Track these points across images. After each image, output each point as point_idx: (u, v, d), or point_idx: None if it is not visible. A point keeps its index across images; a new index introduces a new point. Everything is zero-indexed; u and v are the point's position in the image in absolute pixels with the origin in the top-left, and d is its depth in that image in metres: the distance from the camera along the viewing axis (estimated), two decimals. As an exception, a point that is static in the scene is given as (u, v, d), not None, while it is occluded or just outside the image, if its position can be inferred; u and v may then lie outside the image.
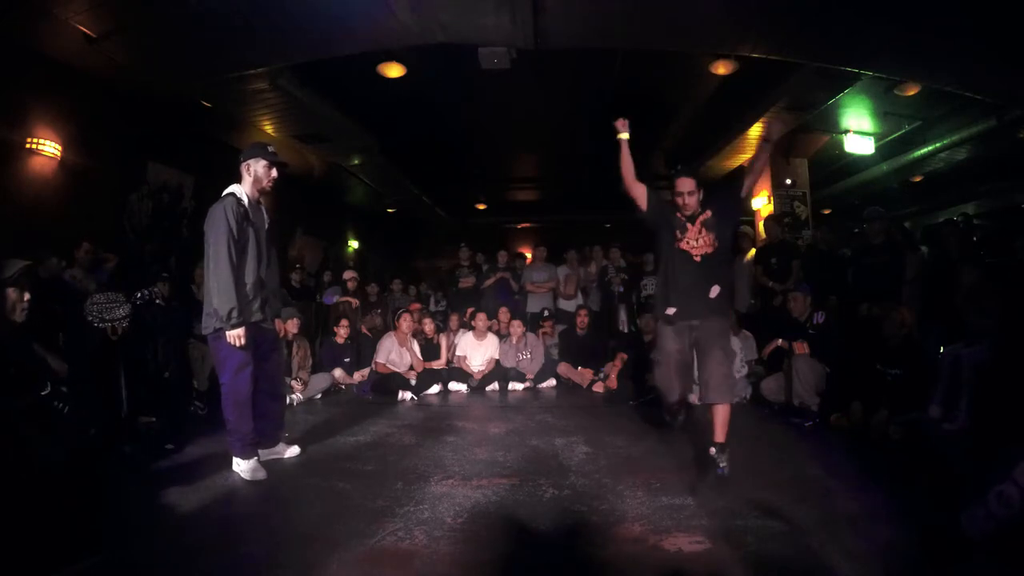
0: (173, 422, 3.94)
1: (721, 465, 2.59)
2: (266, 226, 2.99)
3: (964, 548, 1.90)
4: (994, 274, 4.43)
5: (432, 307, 8.01)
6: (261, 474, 2.84)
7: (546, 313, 6.58)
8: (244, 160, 2.93)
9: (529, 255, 8.56)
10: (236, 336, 2.72)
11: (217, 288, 2.69)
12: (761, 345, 4.80)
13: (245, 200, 2.86)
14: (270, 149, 2.95)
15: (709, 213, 2.85)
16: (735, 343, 4.84)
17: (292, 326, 5.05)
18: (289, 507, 2.51)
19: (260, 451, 2.99)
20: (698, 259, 2.82)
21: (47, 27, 4.02)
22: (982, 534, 1.88)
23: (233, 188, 2.89)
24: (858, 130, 7.52)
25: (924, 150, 7.96)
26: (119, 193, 5.49)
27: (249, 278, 2.82)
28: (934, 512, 2.22)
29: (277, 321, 3.15)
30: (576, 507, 2.39)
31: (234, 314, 2.69)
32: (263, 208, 3.02)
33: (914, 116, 7.14)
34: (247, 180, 2.92)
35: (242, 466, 2.84)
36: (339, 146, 7.26)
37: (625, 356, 5.39)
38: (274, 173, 2.96)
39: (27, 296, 2.91)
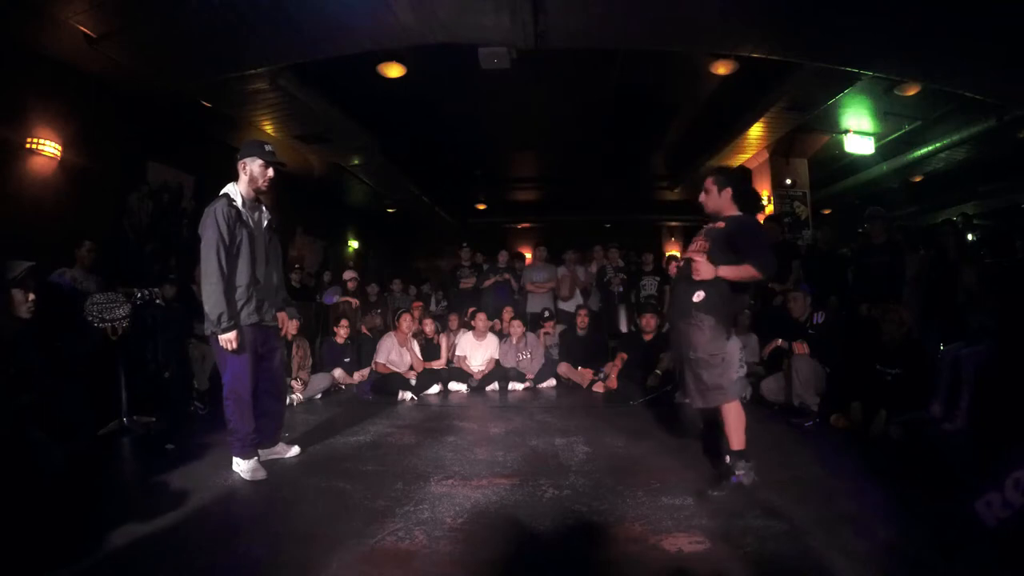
0: (173, 422, 3.95)
1: (737, 473, 2.51)
2: (265, 224, 2.97)
3: (974, 539, 1.89)
4: (994, 274, 4.44)
5: (432, 307, 8.01)
6: (261, 474, 2.84)
7: (547, 314, 6.58)
8: (240, 158, 2.89)
9: (529, 255, 8.57)
10: (227, 340, 2.72)
11: (207, 294, 2.70)
12: (761, 345, 4.80)
13: (239, 200, 2.83)
14: (267, 148, 2.92)
15: (723, 225, 2.70)
16: (735, 342, 4.84)
17: (292, 327, 5.04)
18: (289, 507, 2.50)
19: (260, 451, 2.99)
20: (681, 263, 2.82)
21: (47, 27, 4.02)
22: (998, 521, 1.87)
23: (228, 188, 2.87)
24: (858, 130, 7.52)
25: (924, 150, 7.97)
26: (119, 193, 5.49)
27: (242, 280, 2.80)
28: (934, 512, 2.21)
29: (282, 316, 3.11)
30: (576, 507, 2.39)
31: (223, 319, 2.69)
32: (262, 206, 2.99)
33: (914, 116, 7.14)
34: (243, 179, 2.89)
35: (242, 466, 2.84)
36: (339, 146, 7.26)
37: (625, 356, 5.38)
38: (270, 173, 2.92)
39: (31, 296, 2.94)
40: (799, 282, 5.08)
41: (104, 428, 3.65)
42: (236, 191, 2.85)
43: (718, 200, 2.78)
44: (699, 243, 2.73)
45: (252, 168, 2.87)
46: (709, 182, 2.83)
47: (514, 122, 7.65)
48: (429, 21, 4.07)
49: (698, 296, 2.60)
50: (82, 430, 3.21)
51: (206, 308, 2.71)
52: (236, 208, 2.79)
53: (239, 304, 2.78)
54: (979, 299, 4.23)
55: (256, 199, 2.95)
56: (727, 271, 2.56)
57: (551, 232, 12.54)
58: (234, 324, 2.72)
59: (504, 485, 2.69)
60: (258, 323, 2.89)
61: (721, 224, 2.71)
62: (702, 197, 2.85)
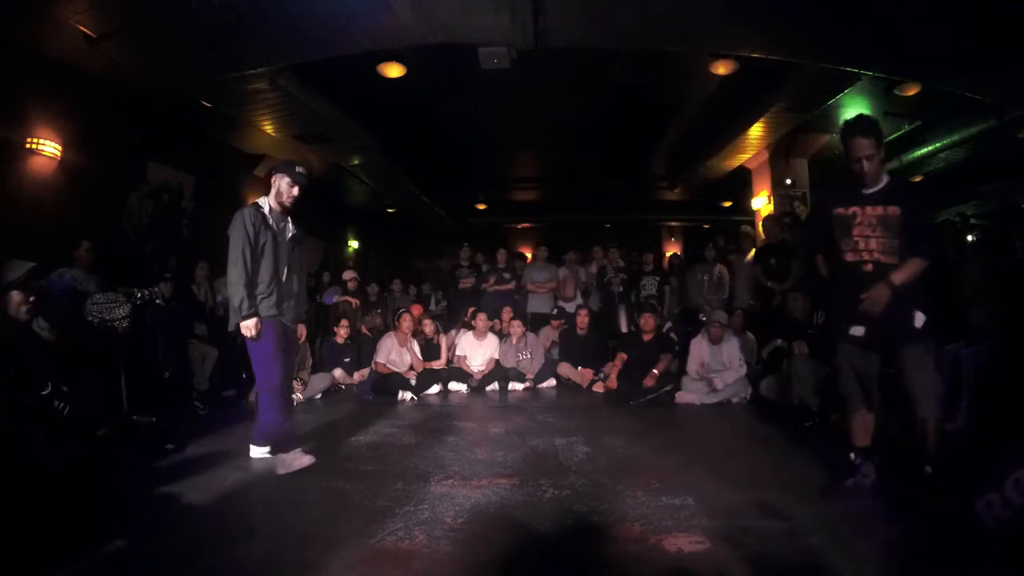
0: (173, 422, 3.95)
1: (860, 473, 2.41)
2: (289, 235, 3.17)
3: (974, 539, 1.89)
4: (994, 274, 4.43)
5: (432, 307, 8.00)
6: (260, 466, 2.95)
7: (556, 312, 6.59)
8: (273, 173, 3.14)
9: (529, 255, 8.57)
10: (248, 326, 2.89)
11: (230, 284, 2.93)
12: (761, 345, 4.80)
13: (266, 209, 3.06)
14: (298, 169, 3.12)
15: (897, 211, 2.26)
16: (734, 343, 4.86)
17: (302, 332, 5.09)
18: (289, 507, 2.50)
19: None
20: (870, 268, 2.31)
21: (47, 27, 4.01)
22: (997, 522, 1.87)
23: (260, 198, 3.13)
24: (858, 130, 7.50)
25: (924, 150, 7.95)
26: (119, 193, 5.49)
27: (264, 276, 3.01)
28: (934, 512, 2.21)
29: (301, 328, 3.36)
30: (576, 507, 2.39)
31: (244, 306, 2.89)
32: (289, 220, 3.19)
33: (914, 116, 7.14)
34: (272, 192, 3.12)
35: (252, 451, 3.03)
36: (339, 146, 7.25)
37: (625, 356, 5.39)
38: (295, 191, 3.11)
39: (32, 298, 2.96)
40: (800, 282, 5.08)
41: (104, 428, 3.65)
42: (266, 201, 3.11)
43: (878, 168, 2.29)
44: (880, 240, 2.28)
45: (280, 184, 3.09)
46: (870, 145, 2.27)
47: (514, 122, 7.64)
48: (429, 21, 4.07)
49: (919, 321, 2.30)
50: (82, 430, 3.21)
51: (231, 297, 2.94)
52: (262, 213, 3.03)
53: (260, 298, 2.97)
54: (979, 299, 4.23)
55: (283, 212, 3.14)
56: (901, 276, 2.16)
57: (551, 232, 12.52)
58: (254, 312, 2.92)
59: (504, 485, 2.69)
60: (276, 316, 3.05)
61: (895, 209, 2.25)
62: (870, 168, 2.30)
